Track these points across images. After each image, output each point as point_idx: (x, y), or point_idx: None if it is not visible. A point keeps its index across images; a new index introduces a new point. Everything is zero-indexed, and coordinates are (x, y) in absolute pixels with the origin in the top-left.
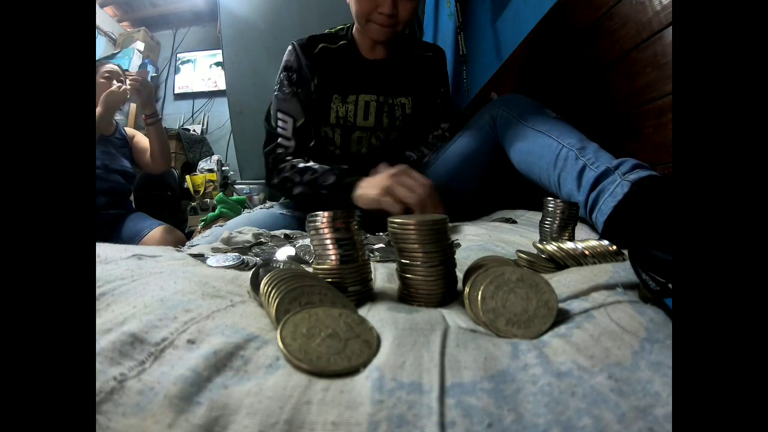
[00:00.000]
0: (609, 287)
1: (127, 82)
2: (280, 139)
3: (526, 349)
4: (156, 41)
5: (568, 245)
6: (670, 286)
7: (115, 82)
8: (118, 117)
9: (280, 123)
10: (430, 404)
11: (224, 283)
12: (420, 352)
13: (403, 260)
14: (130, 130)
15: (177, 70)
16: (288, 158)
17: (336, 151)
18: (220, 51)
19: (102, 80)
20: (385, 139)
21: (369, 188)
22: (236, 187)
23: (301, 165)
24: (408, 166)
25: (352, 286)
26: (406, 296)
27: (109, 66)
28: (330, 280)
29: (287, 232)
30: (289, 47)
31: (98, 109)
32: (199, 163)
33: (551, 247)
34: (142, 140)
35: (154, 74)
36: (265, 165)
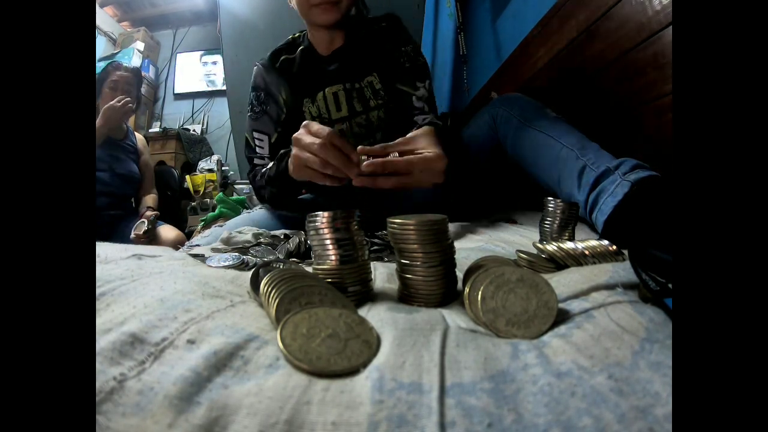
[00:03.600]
0: (609, 287)
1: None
2: (256, 160)
3: (526, 349)
4: (156, 41)
5: (568, 245)
6: (670, 286)
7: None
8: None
9: (257, 142)
10: (430, 404)
11: (224, 283)
12: (420, 352)
13: (402, 260)
14: (141, 142)
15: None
16: (262, 170)
17: None
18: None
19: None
20: (368, 122)
21: (291, 164)
22: (236, 187)
23: (264, 169)
24: (309, 122)
25: (352, 287)
26: (406, 296)
27: (119, 74)
28: (330, 280)
29: (287, 232)
30: (254, 68)
31: (99, 121)
32: (199, 163)
33: (551, 247)
34: (146, 159)
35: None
36: (252, 185)
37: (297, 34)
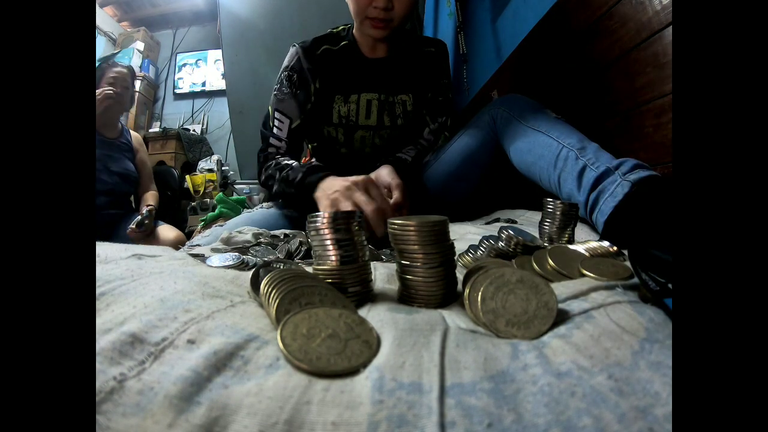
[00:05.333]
0: (609, 287)
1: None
2: (272, 139)
3: (525, 350)
4: (156, 41)
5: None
6: (670, 286)
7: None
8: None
9: (276, 122)
10: (430, 404)
11: (224, 283)
12: (420, 353)
13: (403, 261)
14: (137, 140)
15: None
16: (277, 157)
17: (342, 150)
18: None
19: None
20: (389, 138)
21: (323, 195)
22: (236, 187)
23: (284, 162)
24: (371, 179)
25: (353, 287)
26: (406, 297)
27: (117, 70)
28: (330, 280)
29: (287, 232)
30: (292, 48)
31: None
32: (199, 163)
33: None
34: (142, 157)
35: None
36: (257, 164)
37: (340, 28)
